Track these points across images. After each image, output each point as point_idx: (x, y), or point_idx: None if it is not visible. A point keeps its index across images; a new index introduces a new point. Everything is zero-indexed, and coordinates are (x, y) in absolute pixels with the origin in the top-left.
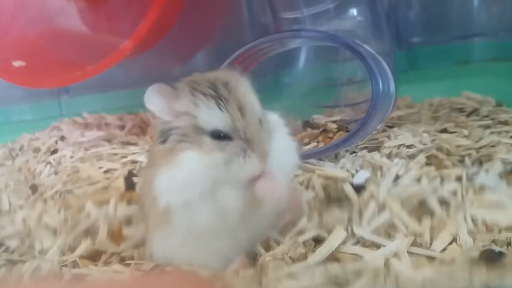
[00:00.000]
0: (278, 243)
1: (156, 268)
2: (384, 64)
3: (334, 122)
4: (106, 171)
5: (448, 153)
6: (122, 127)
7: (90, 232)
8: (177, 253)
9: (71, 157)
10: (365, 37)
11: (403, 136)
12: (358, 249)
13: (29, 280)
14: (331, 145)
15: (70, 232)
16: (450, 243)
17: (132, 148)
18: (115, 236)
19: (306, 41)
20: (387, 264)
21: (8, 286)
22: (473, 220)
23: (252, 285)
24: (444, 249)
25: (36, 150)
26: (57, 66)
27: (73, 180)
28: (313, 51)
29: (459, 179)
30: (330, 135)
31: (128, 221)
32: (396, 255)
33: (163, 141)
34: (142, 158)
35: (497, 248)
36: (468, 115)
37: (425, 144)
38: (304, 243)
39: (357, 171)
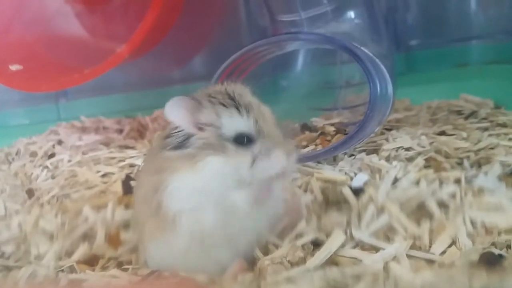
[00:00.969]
0: (276, 246)
1: (153, 274)
2: (382, 66)
3: (332, 125)
4: (103, 175)
5: (447, 156)
6: (120, 131)
7: (88, 236)
8: (176, 260)
9: (69, 161)
10: (362, 40)
11: (401, 139)
12: (357, 253)
13: (24, 286)
14: (329, 147)
15: (67, 237)
16: (449, 246)
17: (130, 152)
18: (113, 240)
19: (304, 44)
20: (386, 267)
21: None
22: (472, 222)
23: None
24: (443, 252)
25: (33, 154)
26: (54, 70)
27: (71, 184)
28: (311, 54)
29: (458, 181)
30: (328, 138)
31: (126, 226)
32: (395, 258)
33: (177, 148)
34: (140, 162)
35: (496, 251)
36: (467, 118)
37: (423, 147)
38: (302, 246)
39: (355, 174)
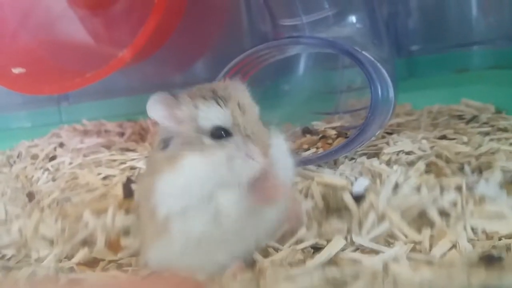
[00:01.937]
0: (277, 250)
1: (153, 274)
2: (383, 70)
3: (333, 128)
4: (104, 178)
5: (448, 160)
6: (121, 134)
7: (88, 242)
8: (175, 262)
9: (70, 163)
10: (364, 44)
11: (402, 143)
12: (357, 255)
13: (24, 285)
14: (330, 150)
15: (67, 242)
16: (449, 249)
17: (131, 154)
18: (113, 246)
19: (305, 48)
20: (385, 267)
21: None
22: (473, 230)
23: None
24: (443, 255)
25: (34, 157)
26: (56, 73)
27: (71, 187)
28: (313, 58)
29: (459, 188)
30: (329, 141)
31: (126, 231)
32: (395, 259)
33: (164, 148)
34: (141, 164)
35: (496, 253)
36: (468, 122)
37: (424, 151)
38: (302, 250)
39: (356, 178)
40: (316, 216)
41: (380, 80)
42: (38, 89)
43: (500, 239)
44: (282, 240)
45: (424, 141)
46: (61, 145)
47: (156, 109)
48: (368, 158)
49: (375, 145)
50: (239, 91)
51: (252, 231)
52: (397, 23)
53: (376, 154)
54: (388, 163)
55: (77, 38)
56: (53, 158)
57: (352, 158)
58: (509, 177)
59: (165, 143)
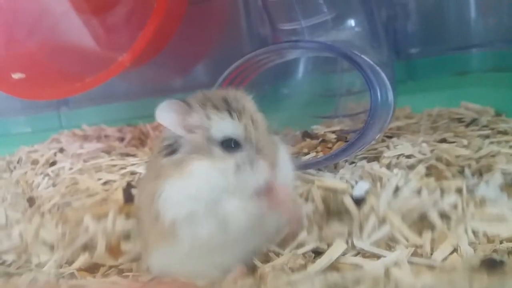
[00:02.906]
0: (277, 255)
1: (154, 279)
2: (382, 74)
3: (333, 132)
4: (105, 183)
5: (448, 163)
6: (121, 139)
7: (88, 247)
8: (178, 267)
9: (70, 168)
10: (363, 48)
11: (402, 146)
12: (358, 260)
13: None
14: (330, 155)
15: (68, 247)
16: (450, 253)
17: (131, 159)
18: (114, 251)
19: (305, 52)
20: (387, 272)
21: None
22: (474, 232)
23: None
24: (444, 259)
25: (35, 162)
26: (56, 78)
27: (72, 192)
28: (312, 62)
29: (459, 191)
30: (329, 145)
31: (127, 236)
32: (396, 264)
33: (170, 153)
34: (141, 169)
35: (498, 257)
36: (467, 125)
37: (424, 154)
38: (303, 254)
39: (356, 182)
40: (317, 219)
41: (379, 83)
42: (38, 94)
43: (501, 242)
44: (283, 244)
45: (424, 145)
46: (61, 150)
47: (167, 115)
48: (368, 161)
49: (375, 149)
50: (249, 102)
51: (255, 236)
52: (396, 26)
53: (376, 158)
54: (389, 166)
55: (76, 42)
56: (53, 163)
57: (353, 162)
58: (510, 179)
59: (172, 149)
